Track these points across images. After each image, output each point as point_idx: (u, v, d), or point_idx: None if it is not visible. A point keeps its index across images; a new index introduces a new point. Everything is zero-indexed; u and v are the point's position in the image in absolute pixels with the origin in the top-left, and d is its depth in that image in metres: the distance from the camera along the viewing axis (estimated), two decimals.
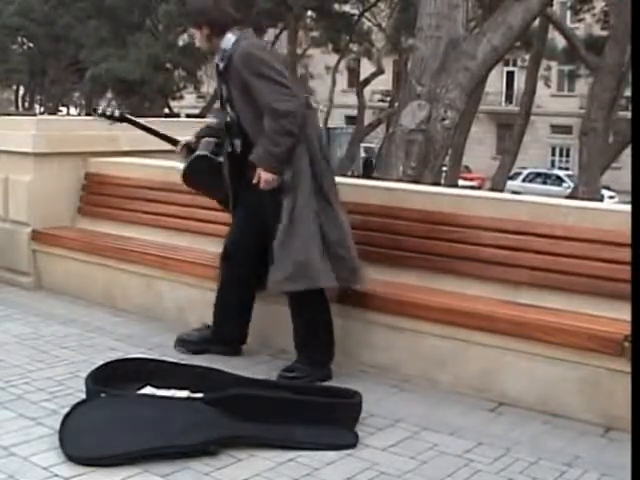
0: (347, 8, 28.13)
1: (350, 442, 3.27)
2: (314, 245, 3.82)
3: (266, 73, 3.81)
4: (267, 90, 3.78)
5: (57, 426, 3.21)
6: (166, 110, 28.25)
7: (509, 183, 25.65)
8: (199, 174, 4.28)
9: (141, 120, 4.90)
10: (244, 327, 4.27)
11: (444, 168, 15.63)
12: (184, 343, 4.30)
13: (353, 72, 40.31)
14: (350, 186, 4.83)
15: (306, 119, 3.86)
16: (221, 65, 3.99)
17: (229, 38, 3.97)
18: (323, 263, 3.83)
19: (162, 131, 4.75)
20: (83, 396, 3.53)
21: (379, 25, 30.24)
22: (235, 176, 4.14)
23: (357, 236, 4.49)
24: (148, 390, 3.53)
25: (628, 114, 4.55)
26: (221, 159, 4.18)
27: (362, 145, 32.97)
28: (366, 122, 29.01)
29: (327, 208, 3.91)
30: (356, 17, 27.89)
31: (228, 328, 4.24)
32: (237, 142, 4.09)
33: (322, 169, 3.93)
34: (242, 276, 4.16)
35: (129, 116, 4.89)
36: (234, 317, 4.23)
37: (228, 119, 4.08)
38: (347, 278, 3.94)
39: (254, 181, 3.88)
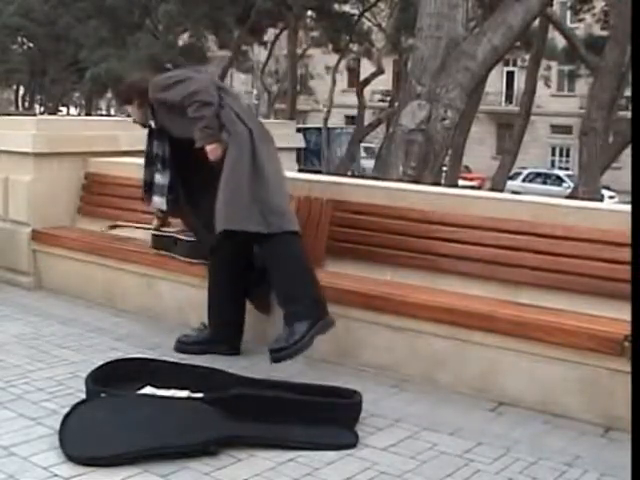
0: (347, 8, 28.12)
1: (350, 442, 3.27)
2: (246, 192, 4.02)
3: (174, 80, 4.26)
4: (173, 92, 4.19)
5: (57, 426, 3.21)
6: None
7: (509, 183, 25.64)
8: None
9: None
10: (240, 325, 4.29)
11: (444, 168, 15.62)
12: (184, 345, 4.30)
13: (353, 72, 40.30)
14: (350, 186, 4.84)
15: (219, 90, 4.22)
16: (152, 124, 4.44)
17: None
18: (252, 209, 3.99)
19: None
20: (83, 396, 3.53)
21: (379, 25, 30.21)
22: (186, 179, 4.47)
23: (357, 236, 4.50)
24: (148, 390, 3.53)
25: (628, 114, 4.55)
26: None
27: (362, 145, 32.95)
28: (366, 122, 28.99)
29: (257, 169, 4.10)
30: (356, 17, 27.88)
31: (224, 327, 4.25)
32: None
33: (252, 126, 4.19)
34: (232, 273, 4.21)
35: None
36: (229, 316, 4.25)
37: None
38: (276, 223, 4.01)
39: (211, 157, 4.12)
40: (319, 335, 3.85)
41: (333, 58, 31.20)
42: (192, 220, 4.54)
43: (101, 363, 3.78)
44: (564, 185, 31.88)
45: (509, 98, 41.47)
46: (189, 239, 4.65)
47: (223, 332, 4.25)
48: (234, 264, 4.21)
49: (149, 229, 4.97)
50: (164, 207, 4.56)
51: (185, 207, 4.53)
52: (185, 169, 4.44)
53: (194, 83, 4.18)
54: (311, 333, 3.82)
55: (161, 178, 4.47)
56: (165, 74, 4.51)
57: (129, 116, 4.90)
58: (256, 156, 4.08)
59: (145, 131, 4.56)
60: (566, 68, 34.23)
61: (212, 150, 4.09)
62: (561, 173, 35.55)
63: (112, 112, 43.97)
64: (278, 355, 3.80)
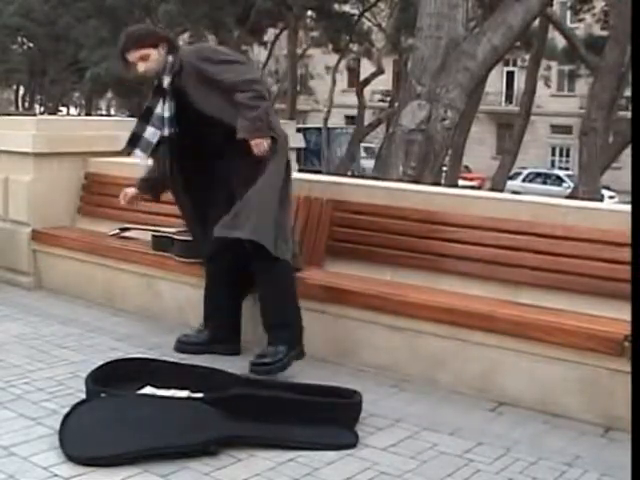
0: (347, 8, 28.12)
1: (350, 442, 3.27)
2: (273, 209, 3.96)
3: (222, 58, 4.05)
4: (230, 70, 3.97)
5: (57, 426, 3.21)
6: None
7: (509, 183, 25.65)
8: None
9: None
10: (238, 325, 4.30)
11: (444, 168, 15.62)
12: (184, 345, 4.30)
13: (353, 72, 40.29)
14: (350, 186, 4.84)
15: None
16: (167, 80, 4.09)
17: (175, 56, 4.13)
18: (272, 228, 3.93)
19: None
20: (83, 396, 3.53)
21: (379, 25, 30.21)
22: (185, 167, 4.25)
23: (357, 236, 4.50)
24: (148, 390, 3.53)
25: (628, 114, 4.55)
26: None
27: (362, 145, 32.95)
28: (366, 122, 28.99)
29: (287, 192, 4.07)
30: (356, 17, 27.88)
31: (223, 328, 4.26)
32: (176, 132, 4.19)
33: (288, 158, 4.13)
34: (230, 275, 4.21)
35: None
36: (228, 316, 4.26)
37: (169, 132, 4.16)
38: (282, 249, 3.99)
39: (255, 152, 3.93)
40: (293, 361, 3.93)
41: (333, 58, 31.20)
42: (187, 213, 4.40)
43: (101, 363, 3.78)
44: (564, 185, 31.88)
45: (509, 98, 41.48)
46: (185, 239, 4.64)
47: (222, 332, 4.26)
48: (232, 268, 4.19)
49: (158, 231, 4.96)
50: (143, 162, 4.37)
51: (181, 196, 4.36)
52: (188, 151, 4.21)
53: (250, 71, 4.11)
54: (291, 355, 3.90)
55: (152, 135, 4.20)
56: (207, 44, 4.41)
57: (129, 116, 4.89)
58: (288, 169, 4.08)
59: None
60: (566, 68, 34.27)
61: (258, 144, 3.92)
62: (561, 173, 35.54)
63: (112, 112, 43.96)
64: (261, 369, 3.85)
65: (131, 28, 4.29)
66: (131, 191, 4.61)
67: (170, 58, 4.10)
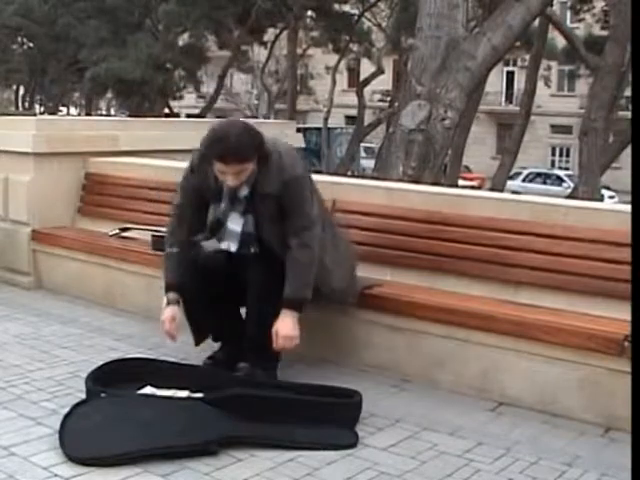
0: (347, 8, 28.12)
1: (350, 442, 3.27)
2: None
3: (305, 190, 3.67)
4: (303, 207, 3.64)
5: (57, 426, 3.21)
6: (166, 110, 28.25)
7: (509, 183, 25.65)
8: None
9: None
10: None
11: (444, 168, 15.62)
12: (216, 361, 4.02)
13: (353, 72, 40.30)
14: (350, 186, 4.84)
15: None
16: (245, 191, 3.62)
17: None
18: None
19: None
20: (83, 396, 3.53)
21: (379, 25, 30.21)
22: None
23: (358, 236, 4.50)
24: (148, 390, 3.53)
25: (628, 114, 4.55)
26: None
27: (362, 145, 32.95)
28: (366, 122, 28.99)
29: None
30: (356, 17, 27.88)
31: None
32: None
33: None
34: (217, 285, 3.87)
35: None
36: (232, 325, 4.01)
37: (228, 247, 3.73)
38: None
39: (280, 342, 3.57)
40: None
41: (333, 58, 31.19)
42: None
43: (101, 363, 3.78)
44: (564, 185, 31.89)
45: (509, 98, 41.47)
46: None
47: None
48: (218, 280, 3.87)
49: (159, 231, 4.95)
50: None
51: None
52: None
53: (313, 210, 3.67)
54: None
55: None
56: (291, 152, 3.74)
57: (129, 116, 4.85)
58: None
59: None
60: (566, 68, 34.26)
61: (286, 338, 3.56)
62: (561, 173, 35.56)
63: (112, 112, 43.96)
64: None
65: (232, 129, 3.54)
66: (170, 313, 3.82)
67: (255, 168, 3.59)
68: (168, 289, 3.83)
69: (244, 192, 3.63)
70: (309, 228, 3.65)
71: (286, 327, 3.56)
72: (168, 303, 3.80)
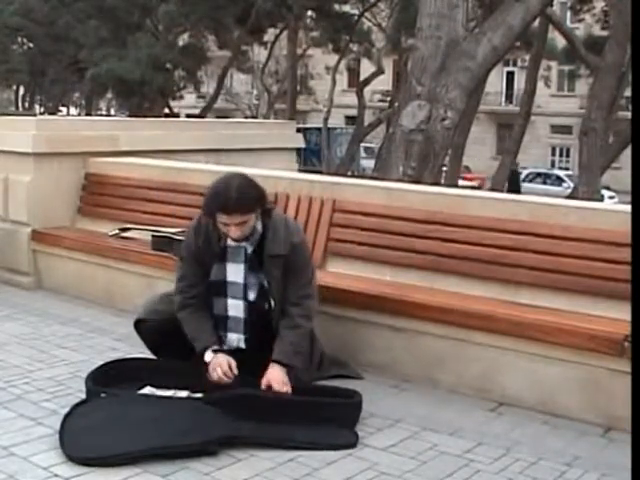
0: (347, 8, 28.11)
1: (350, 442, 3.27)
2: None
3: (307, 255, 3.74)
4: (305, 274, 3.65)
5: (57, 426, 3.21)
6: (166, 110, 28.23)
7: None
8: None
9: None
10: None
11: (444, 168, 15.62)
12: None
13: (353, 72, 40.29)
14: (350, 186, 4.84)
15: None
16: (249, 248, 3.59)
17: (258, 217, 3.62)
18: None
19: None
20: (83, 396, 3.53)
21: (379, 25, 30.20)
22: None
23: (358, 236, 4.50)
24: (148, 390, 3.53)
25: (628, 114, 4.55)
26: None
27: (362, 145, 32.94)
28: (366, 122, 28.98)
29: None
30: (356, 17, 27.87)
31: None
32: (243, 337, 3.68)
33: None
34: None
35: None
36: None
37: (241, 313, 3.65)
38: None
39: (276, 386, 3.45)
40: None
41: (333, 58, 31.17)
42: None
43: (101, 363, 3.78)
44: (564, 185, 31.86)
45: (509, 98, 41.45)
46: (181, 238, 4.59)
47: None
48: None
49: (158, 231, 4.96)
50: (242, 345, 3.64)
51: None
52: None
53: (313, 278, 3.72)
54: None
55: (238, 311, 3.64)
56: (300, 230, 3.78)
57: (129, 116, 4.84)
58: None
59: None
60: (566, 68, 34.25)
61: (282, 384, 3.46)
62: (561, 173, 35.52)
63: (112, 112, 43.96)
64: None
65: (234, 181, 3.52)
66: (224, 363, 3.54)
67: (258, 226, 3.60)
68: (205, 349, 3.59)
69: (249, 250, 3.60)
70: (311, 297, 3.67)
71: (278, 376, 3.48)
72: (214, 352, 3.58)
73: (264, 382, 3.46)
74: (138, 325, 3.87)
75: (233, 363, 3.50)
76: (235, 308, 3.62)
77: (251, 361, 3.52)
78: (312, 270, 3.74)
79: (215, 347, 3.56)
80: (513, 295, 3.98)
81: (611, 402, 3.50)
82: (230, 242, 3.59)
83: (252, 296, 3.61)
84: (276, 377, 3.47)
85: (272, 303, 3.62)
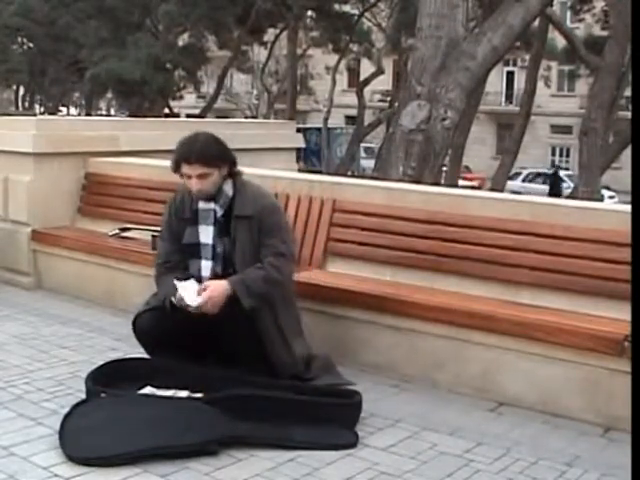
0: (347, 8, 28.11)
1: (350, 442, 3.27)
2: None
3: (284, 224, 3.80)
4: (279, 235, 3.70)
5: (57, 426, 3.21)
6: (166, 110, 28.23)
7: (509, 183, 25.61)
8: None
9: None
10: None
11: (444, 168, 15.61)
12: None
13: (353, 72, 40.27)
14: (350, 186, 4.84)
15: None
16: (219, 211, 3.71)
17: (228, 182, 3.75)
18: None
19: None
20: (83, 396, 3.53)
21: (379, 25, 30.20)
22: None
23: (358, 236, 4.50)
24: (148, 390, 3.53)
25: (628, 114, 4.55)
26: None
27: (362, 145, 32.94)
28: (366, 122, 28.98)
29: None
30: (356, 17, 27.87)
31: None
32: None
33: None
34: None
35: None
36: None
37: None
38: None
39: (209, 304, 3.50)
40: None
41: (333, 58, 31.17)
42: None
43: (101, 363, 3.78)
44: (564, 185, 31.85)
45: (509, 98, 41.44)
46: None
47: None
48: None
49: (158, 232, 4.94)
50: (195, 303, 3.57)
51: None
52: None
53: (291, 239, 3.81)
54: None
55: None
56: (272, 196, 3.92)
57: (129, 116, 4.84)
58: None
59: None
60: (566, 68, 34.22)
61: (215, 300, 3.50)
62: (561, 173, 35.52)
63: (112, 112, 43.96)
64: None
65: (200, 136, 3.72)
66: None
67: (229, 186, 3.73)
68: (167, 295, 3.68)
69: (218, 213, 3.72)
70: (284, 256, 3.68)
71: (217, 285, 3.53)
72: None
73: (204, 287, 3.51)
74: (134, 324, 3.88)
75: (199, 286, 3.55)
76: (206, 269, 3.75)
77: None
78: (288, 234, 3.80)
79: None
80: (514, 295, 3.98)
81: (611, 402, 3.50)
82: (201, 204, 3.73)
83: (217, 259, 3.72)
84: (216, 284, 3.52)
85: (234, 268, 3.67)
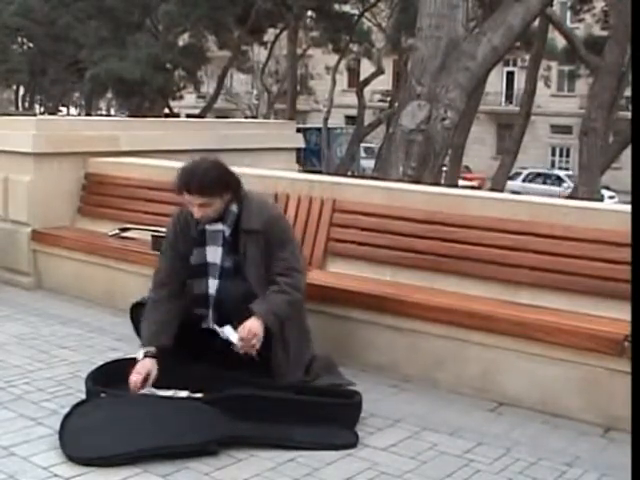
0: (347, 8, 28.11)
1: (350, 442, 3.27)
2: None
3: (288, 232, 3.76)
4: (288, 249, 3.65)
5: (57, 426, 3.21)
6: (166, 110, 28.23)
7: (509, 183, 25.62)
8: None
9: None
10: None
11: (444, 168, 15.61)
12: None
13: (353, 72, 40.27)
14: (350, 186, 4.84)
15: None
16: (227, 231, 3.65)
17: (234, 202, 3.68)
18: None
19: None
20: (83, 396, 3.53)
21: (379, 25, 30.20)
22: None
23: (358, 236, 4.50)
24: (148, 390, 3.52)
25: (628, 114, 4.55)
26: None
27: (362, 145, 32.94)
28: (366, 122, 28.98)
29: None
30: (356, 17, 27.87)
31: None
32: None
33: None
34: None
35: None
36: None
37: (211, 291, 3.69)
38: None
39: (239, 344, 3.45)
40: None
41: (333, 58, 31.17)
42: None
43: (101, 363, 3.79)
44: (564, 185, 31.84)
45: (509, 98, 41.43)
46: None
47: None
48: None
49: (158, 231, 4.95)
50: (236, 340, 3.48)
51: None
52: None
53: (299, 254, 3.77)
54: None
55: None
56: (277, 208, 3.97)
57: (129, 116, 4.84)
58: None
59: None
60: (566, 68, 34.21)
61: (248, 341, 3.42)
62: (561, 173, 35.50)
63: (112, 112, 43.96)
64: None
65: (202, 164, 3.62)
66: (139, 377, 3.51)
67: (234, 208, 3.64)
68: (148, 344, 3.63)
69: (226, 233, 3.66)
70: (298, 271, 3.65)
71: (254, 325, 3.45)
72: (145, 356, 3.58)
73: (244, 331, 3.42)
74: (132, 313, 3.91)
75: (153, 373, 3.49)
76: (213, 287, 3.68)
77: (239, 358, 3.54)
78: (296, 244, 3.77)
79: (150, 350, 3.55)
80: (513, 295, 3.98)
81: (611, 402, 3.50)
82: (208, 226, 3.66)
83: (225, 276, 3.65)
84: (254, 326, 3.43)
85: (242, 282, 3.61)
